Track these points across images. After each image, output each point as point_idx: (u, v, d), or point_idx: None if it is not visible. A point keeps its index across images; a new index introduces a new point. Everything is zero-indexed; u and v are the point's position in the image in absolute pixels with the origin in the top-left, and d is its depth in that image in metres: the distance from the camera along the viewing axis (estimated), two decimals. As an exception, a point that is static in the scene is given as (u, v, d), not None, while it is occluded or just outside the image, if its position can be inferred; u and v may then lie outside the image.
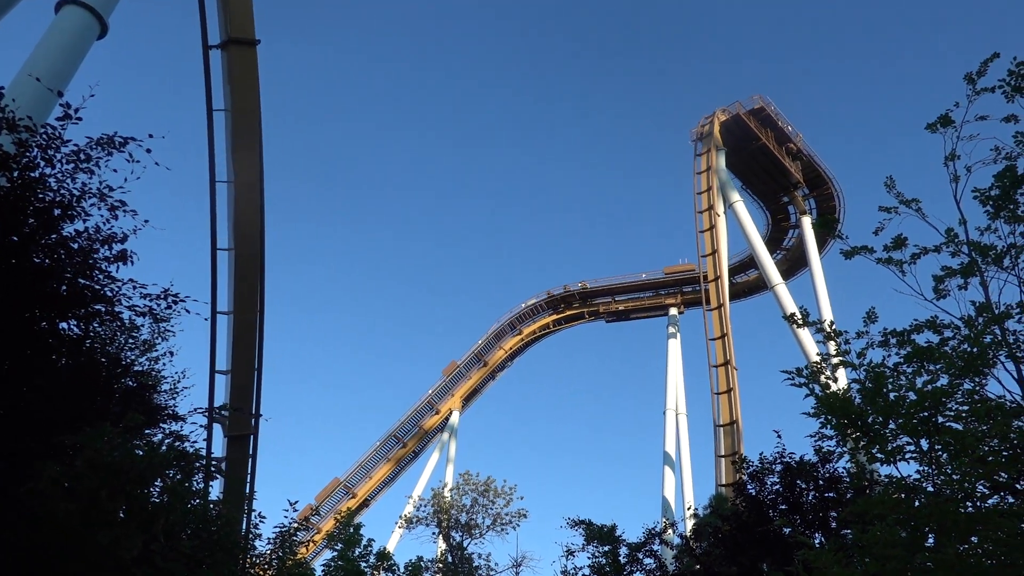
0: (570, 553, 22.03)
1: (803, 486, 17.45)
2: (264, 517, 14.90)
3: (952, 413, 9.63)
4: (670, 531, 21.40)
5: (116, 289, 9.94)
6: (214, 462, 18.33)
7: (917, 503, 9.34)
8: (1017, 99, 9.90)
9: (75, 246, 9.57)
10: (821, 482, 17.26)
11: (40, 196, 9.28)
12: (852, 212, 48.28)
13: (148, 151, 10.04)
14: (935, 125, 10.46)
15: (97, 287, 9.74)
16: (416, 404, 51.71)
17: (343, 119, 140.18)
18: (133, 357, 14.26)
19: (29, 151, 9.30)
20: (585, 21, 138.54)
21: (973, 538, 8.85)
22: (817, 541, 16.01)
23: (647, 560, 20.52)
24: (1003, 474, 8.94)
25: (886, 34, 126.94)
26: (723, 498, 24.83)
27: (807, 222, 46.61)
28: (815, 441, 13.92)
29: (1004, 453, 8.84)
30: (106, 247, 9.75)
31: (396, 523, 39.98)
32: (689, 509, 24.15)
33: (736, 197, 44.10)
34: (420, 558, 29.23)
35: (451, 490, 36.08)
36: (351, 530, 23.73)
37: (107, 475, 7.64)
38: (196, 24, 21.45)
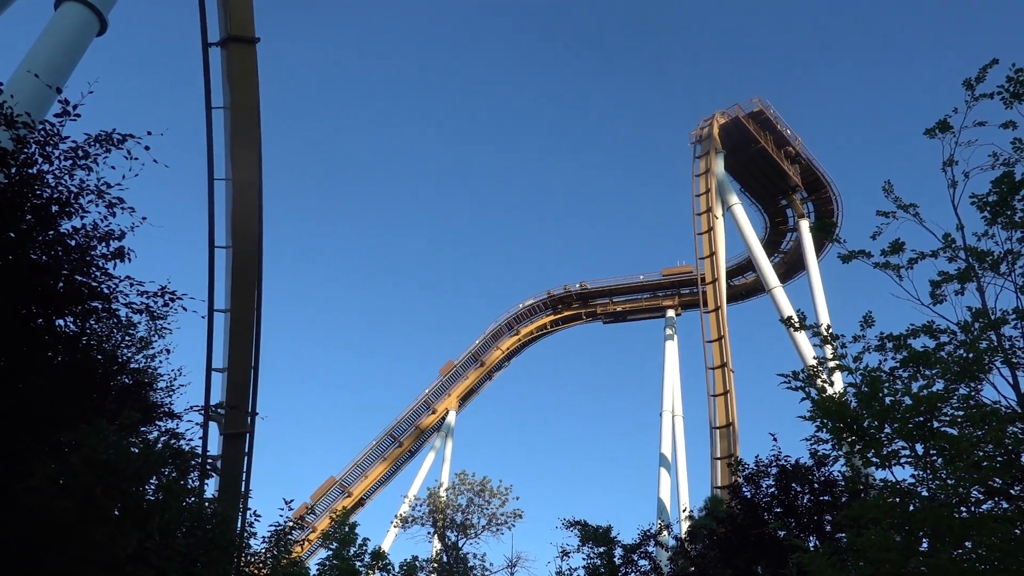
0: (565, 554, 22.04)
1: (798, 489, 17.49)
2: (259, 515, 14.90)
3: (947, 418, 9.67)
4: (665, 533, 21.44)
5: (113, 286, 9.92)
6: (210, 460, 18.30)
7: (912, 507, 9.38)
8: (1016, 105, 9.94)
9: (72, 243, 9.56)
10: (816, 485, 17.31)
11: (38, 192, 9.27)
12: (850, 216, 48.38)
13: (147, 148, 10.03)
14: (934, 130, 10.49)
15: (94, 284, 9.72)
16: (413, 403, 51.74)
17: (342, 118, 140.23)
18: (130, 354, 14.26)
19: (27, 147, 9.29)
20: (585, 21, 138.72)
21: (967, 543, 8.89)
22: (812, 544, 16.07)
23: (642, 562, 20.55)
24: (997, 479, 8.97)
25: (886, 39, 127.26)
26: (718, 500, 24.84)
27: (805, 226, 46.63)
28: (811, 444, 13.94)
29: (999, 458, 8.88)
30: (103, 244, 9.74)
31: (391, 522, 40.05)
32: (684, 511, 24.12)
33: (734, 200, 44.15)
34: (415, 558, 29.17)
35: (447, 490, 36.12)
36: (346, 529, 23.69)
37: (103, 472, 7.64)
38: (196, 21, 21.49)
